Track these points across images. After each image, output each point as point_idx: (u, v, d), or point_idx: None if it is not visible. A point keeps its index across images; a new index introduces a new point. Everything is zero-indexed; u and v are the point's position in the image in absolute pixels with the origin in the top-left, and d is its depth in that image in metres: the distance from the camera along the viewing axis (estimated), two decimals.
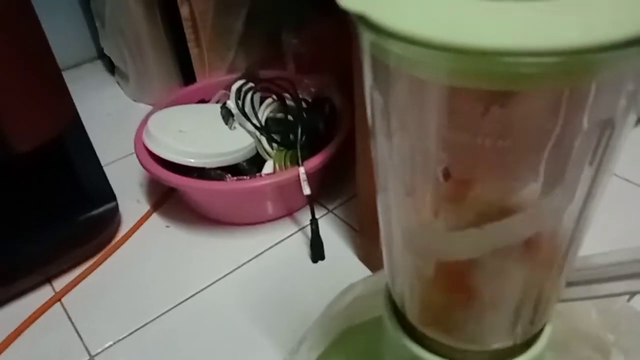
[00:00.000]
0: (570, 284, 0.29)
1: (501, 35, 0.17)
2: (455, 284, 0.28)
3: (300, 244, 0.66)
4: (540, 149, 0.22)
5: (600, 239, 0.29)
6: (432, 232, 0.26)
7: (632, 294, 0.29)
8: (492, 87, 0.20)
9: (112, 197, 0.70)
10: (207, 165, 0.66)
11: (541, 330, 0.31)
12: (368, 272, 0.62)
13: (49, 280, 0.64)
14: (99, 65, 1.13)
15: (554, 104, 0.21)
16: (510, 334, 0.29)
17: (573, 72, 0.19)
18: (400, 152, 0.24)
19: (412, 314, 0.31)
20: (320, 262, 0.64)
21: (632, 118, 0.22)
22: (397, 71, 0.21)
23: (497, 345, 0.30)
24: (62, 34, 1.06)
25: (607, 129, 0.21)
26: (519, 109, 0.21)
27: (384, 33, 0.19)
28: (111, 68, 1.07)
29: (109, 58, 1.03)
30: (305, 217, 0.68)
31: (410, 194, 0.27)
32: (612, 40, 0.17)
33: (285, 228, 0.69)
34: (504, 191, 0.24)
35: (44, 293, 0.63)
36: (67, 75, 0.63)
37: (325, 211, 0.70)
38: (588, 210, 0.25)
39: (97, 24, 1.00)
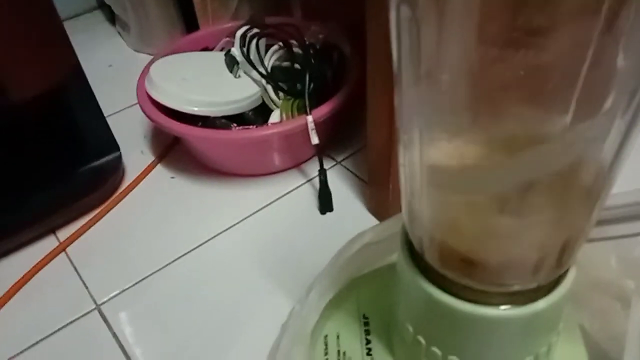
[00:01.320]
0: (599, 223, 0.28)
1: None
2: (481, 225, 0.26)
3: (308, 195, 0.65)
4: (576, 71, 0.20)
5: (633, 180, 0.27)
6: (463, 167, 0.24)
7: None
8: None
9: (115, 147, 0.68)
10: (212, 114, 0.64)
11: (565, 274, 0.30)
12: (377, 222, 0.61)
13: (53, 231, 0.63)
14: (99, 15, 1.09)
15: (591, 18, 0.19)
16: (534, 276, 0.28)
17: None
18: (429, 89, 0.22)
19: (432, 257, 0.30)
20: (328, 213, 0.62)
21: None
22: None
23: (518, 287, 0.29)
24: None
25: None
26: (554, 22, 0.19)
27: None
28: (112, 18, 1.03)
29: (110, 7, 0.99)
30: (313, 169, 0.67)
31: (437, 135, 0.25)
32: None
33: (292, 179, 0.67)
34: (535, 118, 0.22)
35: (49, 243, 0.62)
36: (67, 26, 0.60)
37: (333, 163, 0.69)
38: (626, 145, 0.23)
39: None
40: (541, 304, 0.29)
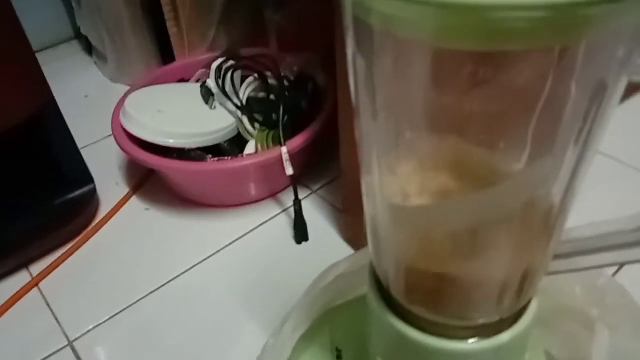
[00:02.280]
0: (556, 257, 0.29)
1: None
2: (441, 259, 0.27)
3: (284, 225, 0.65)
4: (529, 115, 0.22)
5: (590, 216, 0.28)
6: (419, 206, 0.25)
7: (621, 265, 0.28)
8: (479, 47, 0.19)
9: (89, 179, 0.68)
10: (187, 146, 0.65)
11: (527, 305, 0.31)
12: (352, 252, 0.61)
13: (25, 265, 0.63)
14: (75, 45, 1.10)
15: (543, 67, 0.20)
16: (496, 309, 0.29)
17: (563, 29, 0.18)
18: (385, 126, 0.23)
19: (397, 291, 0.30)
20: (304, 243, 0.63)
21: (624, 84, 0.21)
22: (380, 33, 0.20)
23: (483, 320, 0.29)
24: (38, 14, 1.02)
25: (598, 94, 0.21)
26: (508, 72, 0.20)
27: None
28: (89, 48, 1.04)
29: (87, 38, 1.00)
30: (289, 198, 0.67)
31: (395, 169, 0.26)
32: None
33: (268, 209, 0.67)
34: (490, 159, 0.23)
35: (21, 278, 0.61)
36: (43, 56, 0.61)
37: (309, 192, 0.69)
38: (576, 179, 0.24)
39: (74, 4, 0.97)
40: (506, 336, 0.30)
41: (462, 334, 0.30)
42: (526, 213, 0.24)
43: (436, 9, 0.17)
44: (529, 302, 0.31)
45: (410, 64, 0.21)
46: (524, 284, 0.27)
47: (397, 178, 0.25)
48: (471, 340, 0.30)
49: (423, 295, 0.29)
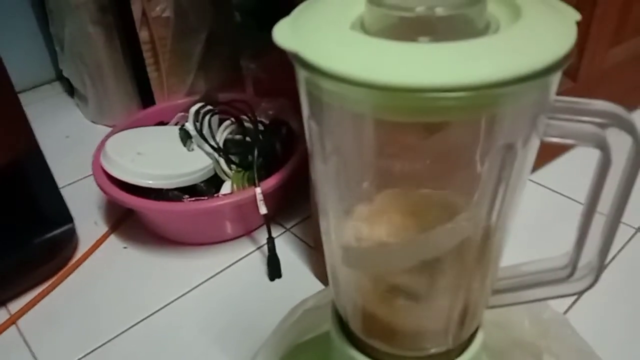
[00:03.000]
0: (496, 292, 0.32)
1: (421, 74, 0.20)
2: (389, 296, 0.30)
3: (257, 262, 0.68)
4: (460, 170, 0.25)
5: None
6: (366, 248, 0.28)
7: (548, 299, 0.32)
8: (413, 120, 0.23)
9: (69, 219, 0.70)
10: (165, 187, 0.68)
11: (474, 335, 0.34)
12: (323, 288, 0.64)
13: (3, 302, 0.64)
14: (57, 87, 1.12)
15: (472, 132, 0.24)
16: (444, 339, 0.32)
17: (482, 104, 0.21)
18: (334, 176, 0.27)
19: (355, 325, 0.33)
20: (277, 279, 0.65)
21: (535, 142, 0.25)
22: (329, 105, 0.24)
23: (433, 350, 0.32)
24: (21, 56, 1.05)
25: (510, 151, 0.24)
26: (440, 137, 0.24)
27: (316, 71, 0.21)
28: (70, 90, 1.07)
29: (68, 80, 1.03)
30: (262, 236, 0.70)
31: (343, 213, 0.29)
32: (510, 76, 0.20)
33: (243, 247, 0.70)
34: (428, 205, 0.27)
35: None
36: (25, 97, 0.64)
37: (282, 230, 0.72)
38: (504, 221, 0.28)
39: (57, 48, 1.01)
40: None
41: None
42: (463, 251, 0.28)
43: (374, 90, 0.20)
44: (475, 333, 0.34)
45: (354, 129, 0.25)
46: (466, 315, 0.31)
47: (348, 221, 0.29)
48: None
49: (378, 328, 0.32)
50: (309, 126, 0.26)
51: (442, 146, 0.24)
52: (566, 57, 0.21)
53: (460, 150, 0.24)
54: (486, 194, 0.26)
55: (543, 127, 0.24)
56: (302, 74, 0.23)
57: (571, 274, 0.29)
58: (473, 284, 0.29)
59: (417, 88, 0.20)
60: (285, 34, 0.23)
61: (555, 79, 0.23)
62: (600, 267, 0.28)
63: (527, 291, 0.33)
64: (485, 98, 0.21)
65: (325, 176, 0.27)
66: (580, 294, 0.29)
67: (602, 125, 0.24)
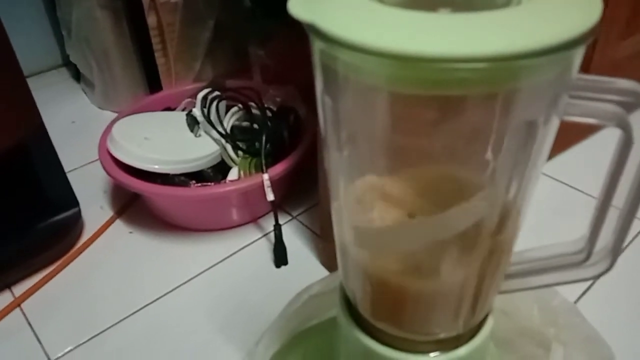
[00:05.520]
0: (508, 277, 0.32)
1: (437, 44, 0.20)
2: (401, 276, 0.30)
3: (264, 249, 0.68)
4: (477, 148, 0.25)
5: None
6: (379, 228, 0.28)
7: (561, 284, 0.31)
8: (429, 93, 0.22)
9: (74, 203, 0.70)
10: (171, 172, 0.67)
11: (483, 321, 0.33)
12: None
13: (8, 286, 0.64)
14: (64, 72, 1.12)
15: (491, 109, 0.23)
16: (454, 324, 0.31)
17: (500, 77, 0.21)
18: (347, 154, 0.26)
19: (364, 309, 0.33)
20: (283, 267, 0.65)
21: (555, 122, 0.25)
22: (344, 77, 0.23)
23: (442, 335, 0.32)
24: (28, 41, 1.05)
25: (531, 128, 0.24)
26: (457, 115, 0.23)
27: (332, 41, 0.21)
28: (77, 75, 1.07)
29: (75, 65, 1.03)
30: (269, 223, 0.70)
31: (359, 195, 0.29)
32: (531, 48, 0.19)
33: (249, 234, 0.70)
34: (443, 185, 0.26)
35: (4, 299, 0.62)
36: (32, 82, 0.63)
37: (289, 217, 0.72)
38: (520, 202, 0.28)
39: (64, 33, 1.00)
40: (463, 350, 0.33)
41: (425, 348, 0.32)
42: (475, 233, 0.27)
43: (389, 60, 0.20)
44: (485, 319, 0.34)
45: (369, 103, 0.24)
46: (478, 300, 0.30)
47: (361, 202, 0.28)
48: (433, 354, 0.33)
49: (387, 311, 0.32)
50: (323, 102, 0.25)
51: (459, 124, 0.24)
52: (591, 31, 0.21)
53: (478, 128, 0.24)
54: (504, 173, 0.25)
55: (564, 105, 0.24)
56: (317, 46, 0.23)
57: (587, 258, 0.29)
58: (487, 267, 0.28)
59: (434, 58, 0.19)
60: (300, 5, 0.22)
61: (578, 54, 0.22)
62: (618, 250, 0.27)
63: (541, 276, 0.32)
64: (505, 71, 0.20)
65: (338, 154, 0.27)
66: (596, 278, 0.28)
67: (625, 105, 0.23)
